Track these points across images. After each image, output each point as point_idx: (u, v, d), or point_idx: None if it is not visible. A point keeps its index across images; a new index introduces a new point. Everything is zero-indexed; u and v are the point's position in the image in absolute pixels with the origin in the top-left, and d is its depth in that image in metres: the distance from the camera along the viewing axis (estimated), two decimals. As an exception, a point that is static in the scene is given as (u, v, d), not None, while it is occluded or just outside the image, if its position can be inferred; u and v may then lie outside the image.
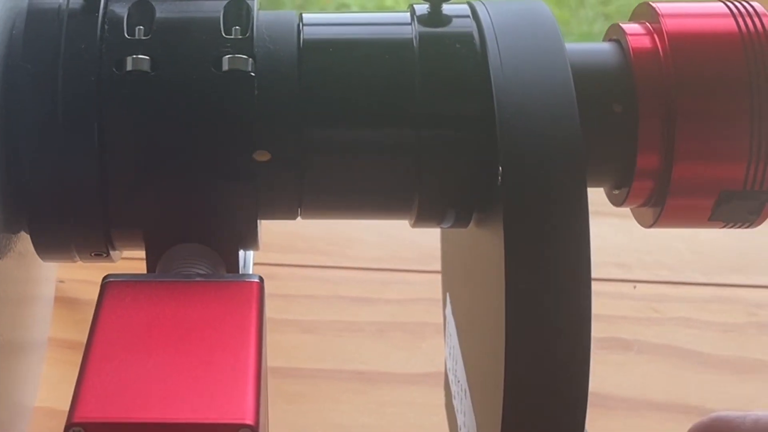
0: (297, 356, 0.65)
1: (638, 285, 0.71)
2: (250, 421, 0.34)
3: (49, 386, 0.58)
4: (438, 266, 0.61)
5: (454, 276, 0.52)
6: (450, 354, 0.53)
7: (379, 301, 0.70)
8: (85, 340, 0.65)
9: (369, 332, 0.67)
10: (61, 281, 0.66)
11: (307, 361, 0.65)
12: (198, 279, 0.40)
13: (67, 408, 0.59)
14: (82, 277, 0.69)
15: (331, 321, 0.68)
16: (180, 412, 0.34)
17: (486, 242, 0.41)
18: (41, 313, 0.55)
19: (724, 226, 0.44)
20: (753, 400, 0.62)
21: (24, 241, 0.45)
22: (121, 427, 0.34)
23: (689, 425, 0.60)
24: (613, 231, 0.73)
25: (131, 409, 0.34)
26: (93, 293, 0.68)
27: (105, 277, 0.40)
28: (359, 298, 0.70)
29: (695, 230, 0.75)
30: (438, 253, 0.59)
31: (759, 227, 0.75)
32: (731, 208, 0.42)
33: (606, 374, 0.63)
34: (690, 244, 0.75)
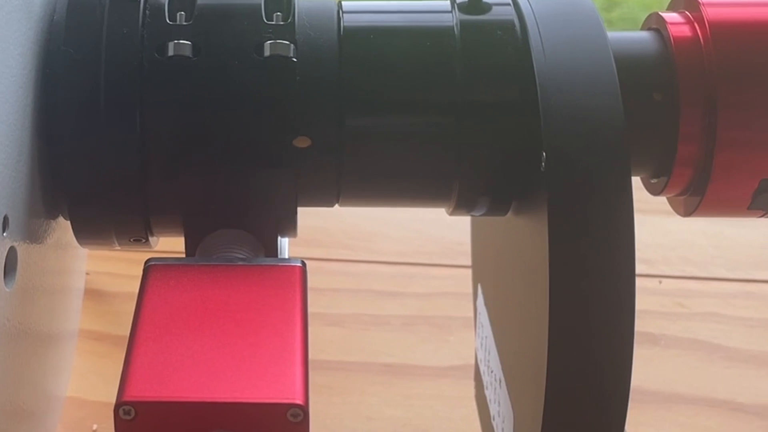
0: (324, 349, 0.65)
1: (663, 280, 0.71)
2: (299, 401, 0.34)
3: (76, 376, 0.58)
4: (462, 261, 0.61)
5: (488, 266, 0.52)
6: (482, 345, 0.53)
7: (404, 295, 0.70)
8: (110, 331, 0.65)
9: (395, 325, 0.67)
10: (87, 273, 0.66)
11: (335, 353, 0.65)
12: (240, 263, 0.40)
13: (95, 398, 0.60)
14: (107, 269, 0.69)
15: (358, 314, 0.68)
16: (229, 391, 0.34)
17: (527, 230, 0.41)
18: (73, 305, 0.55)
19: (763, 215, 0.44)
20: (779, 394, 0.63)
21: (60, 231, 0.45)
22: (171, 406, 0.34)
23: (717, 418, 0.60)
24: (638, 227, 0.73)
25: (180, 388, 0.34)
26: (118, 285, 0.69)
27: (147, 261, 0.40)
28: (385, 291, 0.70)
29: (719, 227, 0.76)
30: (462, 247, 0.59)
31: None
32: (771, 197, 0.43)
33: (634, 368, 0.63)
34: (714, 240, 0.75)
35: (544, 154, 0.38)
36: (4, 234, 0.38)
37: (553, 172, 0.38)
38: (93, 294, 0.67)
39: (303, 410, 0.34)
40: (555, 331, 0.37)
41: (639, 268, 0.72)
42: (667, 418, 0.60)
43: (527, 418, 0.41)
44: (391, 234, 0.76)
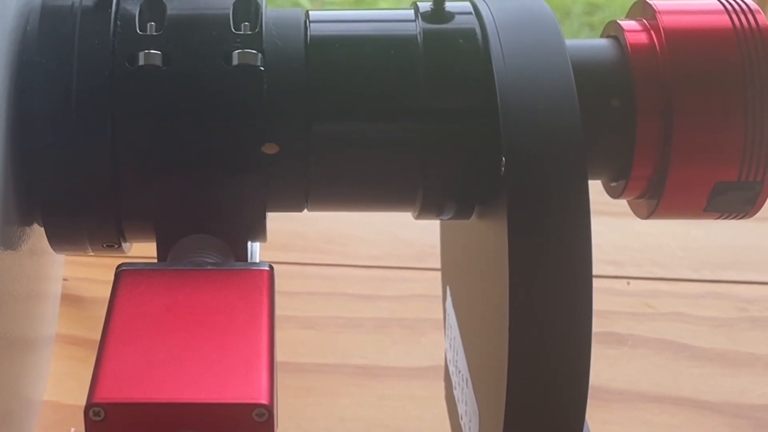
0: (299, 352, 0.66)
1: (631, 281, 0.73)
2: (264, 401, 0.35)
3: (54, 381, 0.59)
4: (435, 264, 0.62)
5: (455, 268, 0.53)
6: (450, 346, 0.54)
7: (378, 298, 0.71)
8: (88, 336, 0.66)
9: (369, 328, 0.68)
10: (65, 279, 0.67)
11: (309, 356, 0.66)
12: (209, 267, 0.41)
13: (72, 402, 0.61)
14: (85, 275, 0.70)
15: (332, 317, 0.69)
16: (197, 392, 0.35)
17: (488, 232, 0.42)
18: (50, 310, 0.56)
19: (719, 217, 0.45)
20: (744, 392, 0.64)
21: (35, 238, 0.46)
22: (140, 407, 0.35)
23: (682, 416, 0.62)
24: (607, 229, 0.75)
25: (149, 390, 0.35)
26: (96, 291, 0.70)
27: (119, 266, 0.41)
28: (358, 294, 0.71)
29: (686, 229, 0.77)
30: (434, 251, 0.60)
31: (748, 227, 0.76)
32: (726, 199, 0.44)
33: (601, 367, 0.64)
34: (681, 242, 0.76)
35: (503, 158, 0.39)
36: (-22, 240, 0.39)
37: (511, 176, 0.39)
38: (71, 299, 0.68)
39: (268, 410, 0.35)
40: (515, 330, 0.38)
41: (607, 269, 0.74)
42: (634, 416, 0.62)
43: (491, 417, 0.42)
44: (366, 238, 0.77)
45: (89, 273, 0.70)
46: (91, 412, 0.35)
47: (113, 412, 0.35)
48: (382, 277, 0.73)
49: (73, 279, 0.69)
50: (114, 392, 0.35)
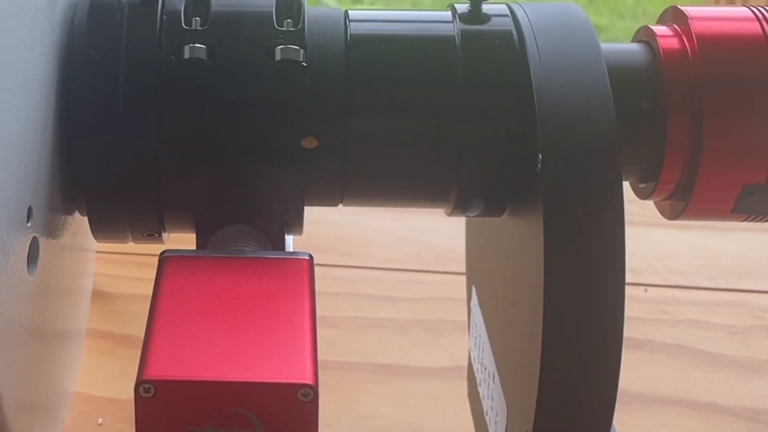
0: (322, 349, 0.66)
1: (649, 289, 0.74)
2: (310, 382, 0.36)
3: (81, 373, 0.60)
4: (454, 268, 0.63)
5: (483, 267, 0.54)
6: (475, 344, 0.55)
7: (398, 299, 0.72)
8: (113, 330, 0.67)
9: (390, 328, 0.69)
10: (92, 275, 0.68)
11: (332, 354, 0.67)
12: (251, 255, 0.42)
13: (100, 393, 0.61)
14: (110, 271, 0.71)
15: (354, 317, 0.70)
16: (244, 372, 0.36)
17: (521, 230, 0.43)
18: (83, 305, 0.57)
19: (746, 219, 0.46)
20: (759, 397, 0.64)
21: (74, 232, 0.47)
22: (188, 385, 0.36)
23: (699, 419, 0.63)
24: (626, 238, 0.76)
25: (198, 369, 0.36)
26: (121, 287, 0.71)
27: (162, 253, 0.42)
28: (379, 296, 0.72)
29: (703, 239, 0.78)
30: (453, 255, 0.61)
31: (763, 238, 0.77)
32: (754, 201, 0.45)
33: (621, 371, 0.65)
34: (698, 251, 0.77)
35: (540, 156, 0.40)
36: (28, 224, 0.40)
37: (547, 173, 0.40)
38: (98, 295, 0.69)
39: (313, 390, 0.36)
40: (548, 327, 0.39)
41: (627, 276, 0.74)
42: (652, 419, 0.62)
43: (520, 411, 0.43)
44: (386, 241, 0.78)
45: (114, 269, 0.71)
46: (141, 389, 0.36)
47: (163, 389, 0.36)
48: (402, 280, 0.74)
49: (99, 275, 0.70)
50: (164, 370, 0.36)
